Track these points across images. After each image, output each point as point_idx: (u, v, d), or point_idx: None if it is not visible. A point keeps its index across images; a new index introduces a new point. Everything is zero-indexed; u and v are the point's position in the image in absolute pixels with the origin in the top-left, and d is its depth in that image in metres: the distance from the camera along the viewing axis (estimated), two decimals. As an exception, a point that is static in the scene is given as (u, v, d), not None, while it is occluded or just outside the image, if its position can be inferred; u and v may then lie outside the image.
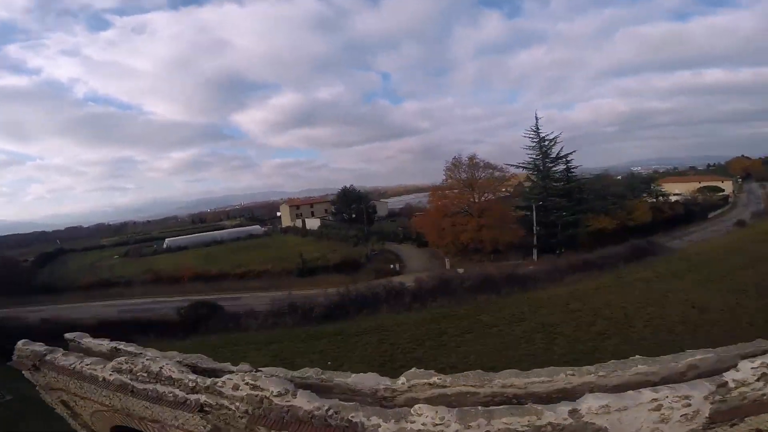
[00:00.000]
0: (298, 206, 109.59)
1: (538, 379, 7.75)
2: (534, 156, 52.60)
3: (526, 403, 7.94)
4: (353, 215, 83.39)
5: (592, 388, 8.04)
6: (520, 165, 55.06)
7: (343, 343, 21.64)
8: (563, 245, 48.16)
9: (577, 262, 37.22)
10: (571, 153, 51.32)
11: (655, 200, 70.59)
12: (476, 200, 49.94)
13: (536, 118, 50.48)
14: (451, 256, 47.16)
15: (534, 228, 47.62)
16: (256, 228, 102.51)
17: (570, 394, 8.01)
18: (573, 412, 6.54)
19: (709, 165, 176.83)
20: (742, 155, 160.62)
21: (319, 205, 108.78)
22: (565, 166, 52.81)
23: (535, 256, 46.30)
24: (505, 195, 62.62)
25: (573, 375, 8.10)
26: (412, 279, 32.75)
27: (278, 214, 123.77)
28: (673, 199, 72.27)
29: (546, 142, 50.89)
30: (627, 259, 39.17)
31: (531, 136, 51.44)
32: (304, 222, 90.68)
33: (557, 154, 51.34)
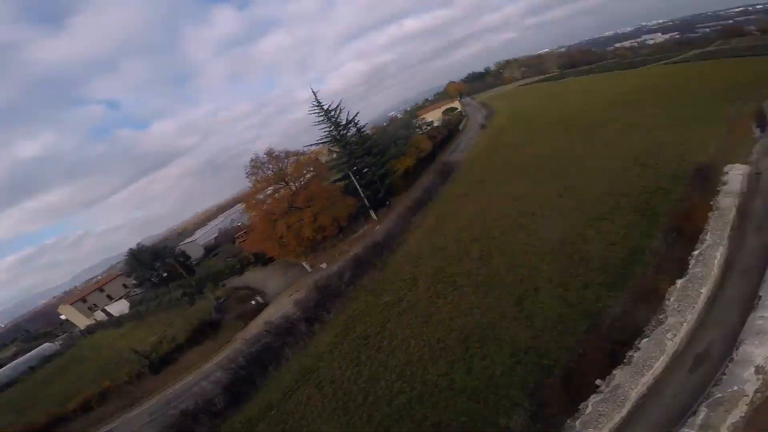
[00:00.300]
0: (83, 299, 79.59)
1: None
2: (328, 129, 52.55)
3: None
4: (164, 274, 66.40)
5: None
6: (319, 141, 54.38)
7: (283, 415, 16.83)
8: (388, 196, 51.60)
9: (411, 204, 40.38)
10: (356, 115, 53.71)
11: (423, 131, 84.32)
12: (295, 191, 46.81)
13: (314, 93, 50.01)
14: (305, 256, 43.57)
15: (360, 192, 48.79)
16: (48, 346, 70.66)
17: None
18: (759, 369, 5.66)
19: (435, 94, 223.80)
20: (450, 81, 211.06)
21: (111, 285, 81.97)
22: (356, 128, 55.17)
23: (374, 216, 47.96)
24: (313, 175, 61.80)
25: (675, 335, 7.29)
26: (288, 303, 28.14)
27: (63, 317, 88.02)
28: (434, 125, 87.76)
29: (332, 113, 51.31)
30: (440, 183, 45.26)
31: (316, 111, 50.77)
32: (107, 312, 67.28)
33: (346, 120, 52.73)
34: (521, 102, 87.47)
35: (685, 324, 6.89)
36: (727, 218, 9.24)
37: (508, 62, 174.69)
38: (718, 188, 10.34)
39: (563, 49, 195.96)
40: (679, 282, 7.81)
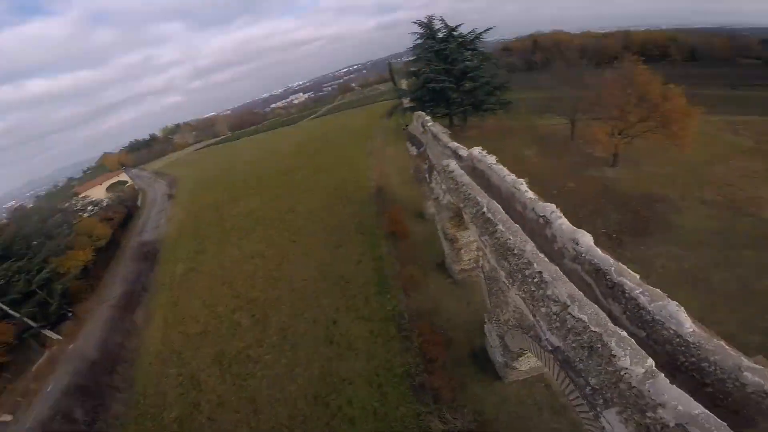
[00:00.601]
0: None
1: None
2: None
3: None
4: None
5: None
6: None
7: None
8: (66, 305, 36.84)
9: (120, 301, 30.86)
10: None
11: (90, 213, 66.28)
12: None
13: None
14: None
15: (12, 312, 32.40)
16: None
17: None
18: (577, 247, 8.26)
19: (85, 170, 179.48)
20: (106, 152, 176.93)
21: None
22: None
23: (54, 335, 32.96)
24: None
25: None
26: None
27: None
28: (104, 204, 70.89)
29: None
30: (148, 269, 37.43)
31: None
32: None
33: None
34: (204, 165, 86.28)
35: (535, 247, 9.22)
36: (476, 187, 13.13)
37: (178, 126, 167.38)
38: (450, 175, 14.48)
39: (229, 112, 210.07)
40: (498, 226, 10.36)
